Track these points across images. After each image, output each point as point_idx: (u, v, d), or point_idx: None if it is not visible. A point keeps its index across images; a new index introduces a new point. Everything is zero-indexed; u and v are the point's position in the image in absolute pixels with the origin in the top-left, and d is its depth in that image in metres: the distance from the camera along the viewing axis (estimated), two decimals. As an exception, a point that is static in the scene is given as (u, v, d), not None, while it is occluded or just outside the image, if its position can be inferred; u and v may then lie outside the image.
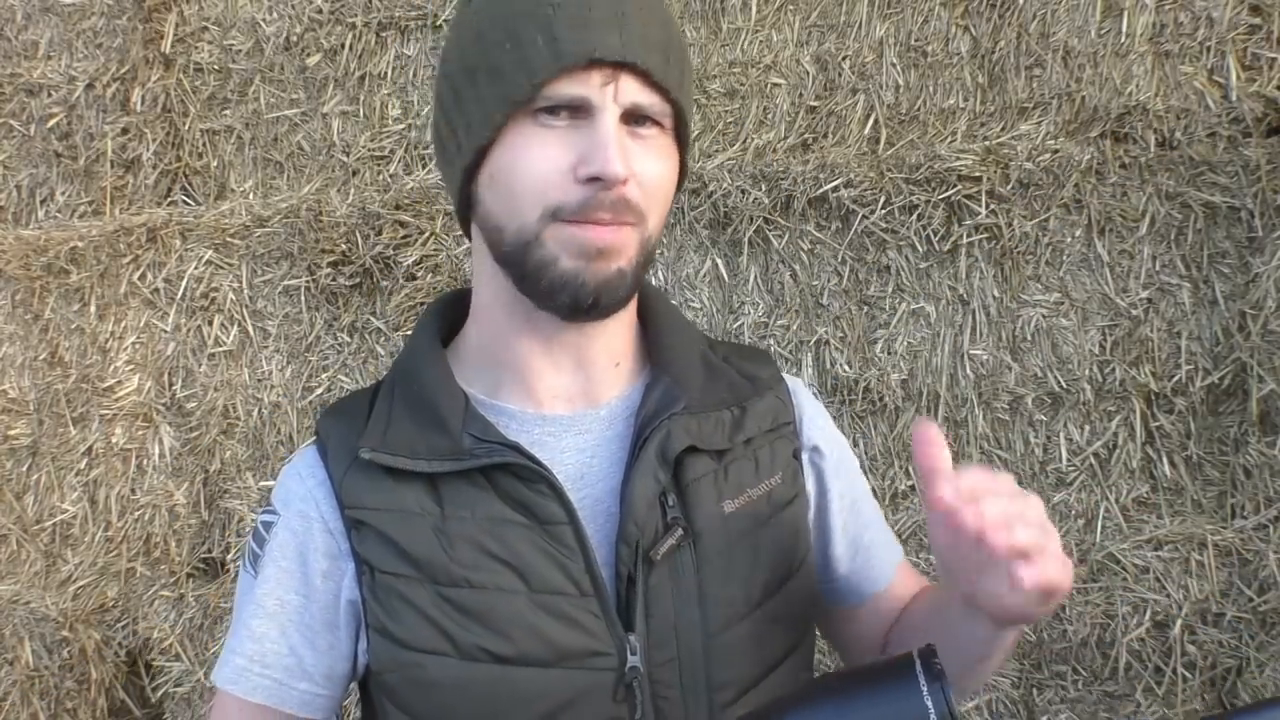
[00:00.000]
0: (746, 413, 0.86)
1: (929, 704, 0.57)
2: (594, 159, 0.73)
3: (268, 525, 0.84)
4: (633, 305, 0.88)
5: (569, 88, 0.74)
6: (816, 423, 0.94)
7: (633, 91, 0.75)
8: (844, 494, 0.94)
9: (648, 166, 0.77)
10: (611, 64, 0.74)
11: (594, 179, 0.73)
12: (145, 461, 2.05)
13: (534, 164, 0.75)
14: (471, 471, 0.78)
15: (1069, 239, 1.72)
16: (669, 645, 0.78)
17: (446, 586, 0.77)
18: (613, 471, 0.82)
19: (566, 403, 0.84)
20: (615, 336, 0.85)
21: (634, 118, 0.76)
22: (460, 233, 1.75)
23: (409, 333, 0.89)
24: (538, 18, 0.75)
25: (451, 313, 0.90)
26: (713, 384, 0.87)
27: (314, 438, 0.87)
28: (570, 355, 0.83)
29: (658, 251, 1.83)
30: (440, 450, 0.79)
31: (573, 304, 0.77)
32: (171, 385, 2.03)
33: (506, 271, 0.80)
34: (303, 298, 1.96)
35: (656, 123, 0.78)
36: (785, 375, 0.95)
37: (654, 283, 1.83)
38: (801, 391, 0.95)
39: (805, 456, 0.92)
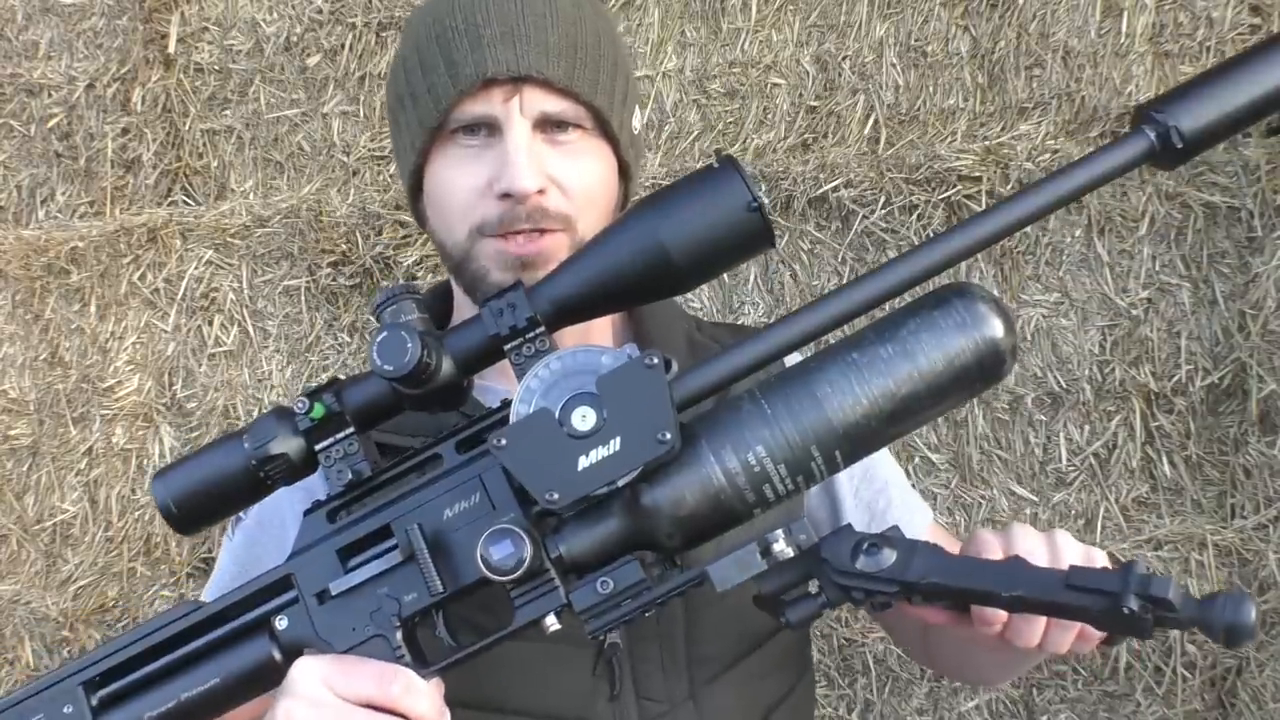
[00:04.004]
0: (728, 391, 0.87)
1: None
2: (504, 176, 0.75)
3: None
4: None
5: (473, 108, 0.77)
6: None
7: (539, 101, 0.77)
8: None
9: (568, 172, 0.78)
10: (509, 79, 0.75)
11: (506, 194, 0.75)
12: (146, 461, 2.05)
13: (456, 185, 0.78)
14: None
15: (1069, 239, 1.72)
16: (649, 620, 0.77)
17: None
18: None
19: None
20: (588, 331, 0.85)
21: (552, 124, 0.78)
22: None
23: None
24: (442, 41, 0.77)
25: (442, 303, 0.92)
26: (694, 359, 0.87)
27: None
28: None
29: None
30: (426, 425, 0.78)
31: None
32: (172, 385, 2.03)
33: (458, 283, 0.84)
34: (303, 298, 1.96)
35: (578, 126, 0.79)
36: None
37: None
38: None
39: None
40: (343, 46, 2.01)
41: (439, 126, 0.78)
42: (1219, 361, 1.71)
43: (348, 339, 1.96)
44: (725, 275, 1.82)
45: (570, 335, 0.84)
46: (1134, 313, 1.72)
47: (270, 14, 2.03)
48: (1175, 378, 1.72)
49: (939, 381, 0.58)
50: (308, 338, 1.98)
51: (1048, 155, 1.69)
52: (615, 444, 0.56)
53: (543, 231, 0.77)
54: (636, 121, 0.86)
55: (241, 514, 0.86)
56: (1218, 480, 1.75)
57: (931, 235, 1.72)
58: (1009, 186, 1.69)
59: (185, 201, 2.17)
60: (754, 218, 0.60)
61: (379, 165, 2.05)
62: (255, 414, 1.99)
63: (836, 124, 1.87)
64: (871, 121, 1.85)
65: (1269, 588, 1.64)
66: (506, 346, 0.62)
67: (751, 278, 1.81)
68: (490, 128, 0.77)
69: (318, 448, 0.64)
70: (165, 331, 2.01)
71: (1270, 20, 1.68)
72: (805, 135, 1.89)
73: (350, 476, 0.64)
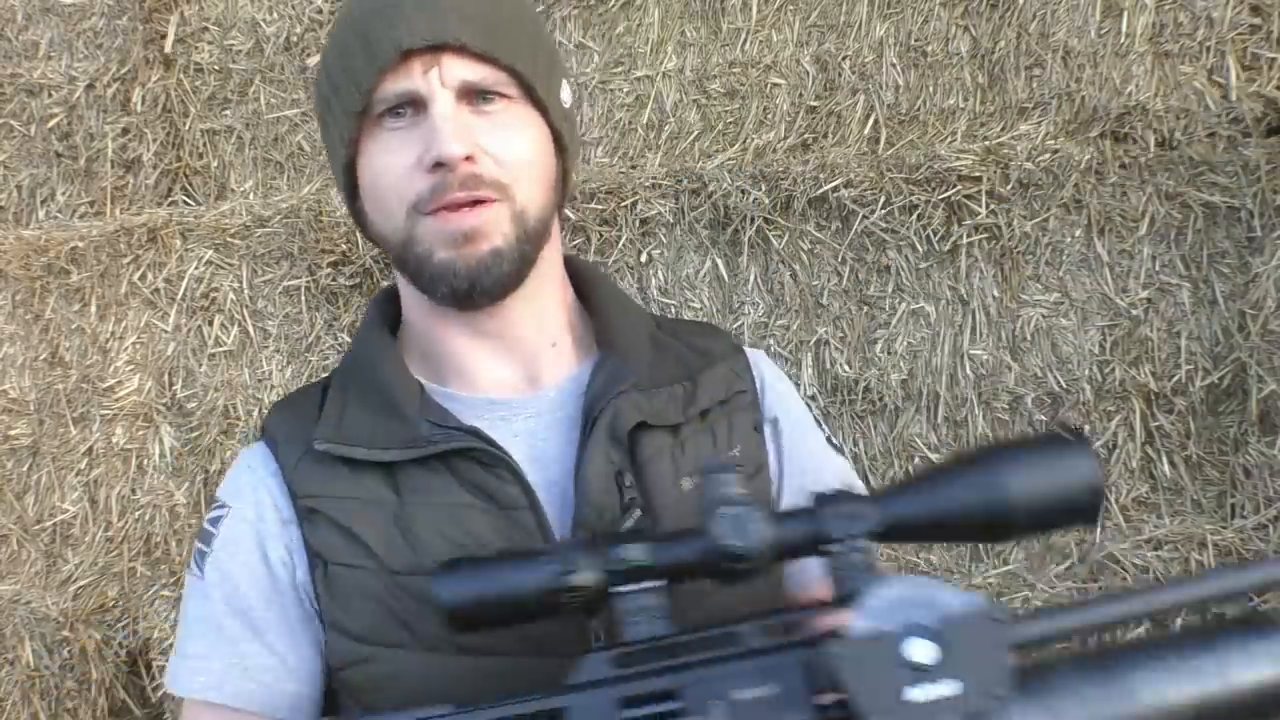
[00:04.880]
0: (698, 385, 0.85)
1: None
2: (431, 145, 0.74)
3: (216, 520, 0.81)
4: (561, 283, 0.87)
5: (393, 85, 0.75)
6: (777, 390, 0.92)
7: (459, 70, 0.75)
8: (805, 467, 0.92)
9: (498, 141, 0.76)
10: (426, 49, 0.74)
11: (438, 165, 0.74)
12: (145, 461, 2.05)
13: (387, 167, 0.76)
14: (429, 459, 0.77)
15: (1069, 239, 1.72)
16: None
17: (405, 575, 0.75)
18: (565, 454, 0.80)
19: (511, 387, 0.83)
20: (542, 316, 0.84)
21: (476, 94, 0.76)
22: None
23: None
24: (359, 26, 0.76)
25: (395, 305, 0.89)
26: (661, 360, 0.85)
27: (259, 435, 0.85)
28: (496, 340, 0.83)
29: (658, 252, 1.83)
30: (397, 438, 0.77)
31: (451, 293, 0.77)
32: (172, 385, 2.03)
33: (403, 274, 0.81)
34: (303, 298, 1.96)
35: (503, 95, 0.77)
36: (745, 348, 0.94)
37: (654, 282, 1.84)
38: (763, 362, 0.93)
39: (766, 430, 0.90)
40: (343, 46, 2.01)
41: (364, 111, 0.76)
42: (1219, 361, 1.71)
43: (348, 339, 1.96)
44: (725, 275, 1.82)
45: (520, 331, 0.81)
46: (1134, 313, 1.72)
47: (270, 14, 2.03)
48: (1175, 378, 1.72)
49: (1248, 701, 0.59)
50: (308, 338, 1.98)
51: (1048, 155, 1.69)
52: (951, 686, 0.55)
53: (480, 202, 0.75)
54: (566, 95, 0.84)
55: (205, 547, 0.81)
56: (1218, 480, 1.75)
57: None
58: (1009, 186, 1.69)
59: (185, 201, 2.17)
60: (1094, 500, 0.62)
61: (379, 165, 2.05)
62: (255, 414, 1.99)
63: (836, 124, 1.87)
64: (871, 121, 1.85)
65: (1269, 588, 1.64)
66: (832, 546, 0.62)
67: (751, 278, 1.81)
68: (415, 105, 0.76)
69: (616, 589, 0.63)
70: (165, 331, 2.01)
71: (1271, 20, 1.68)
72: (805, 135, 1.88)
73: (651, 631, 0.63)
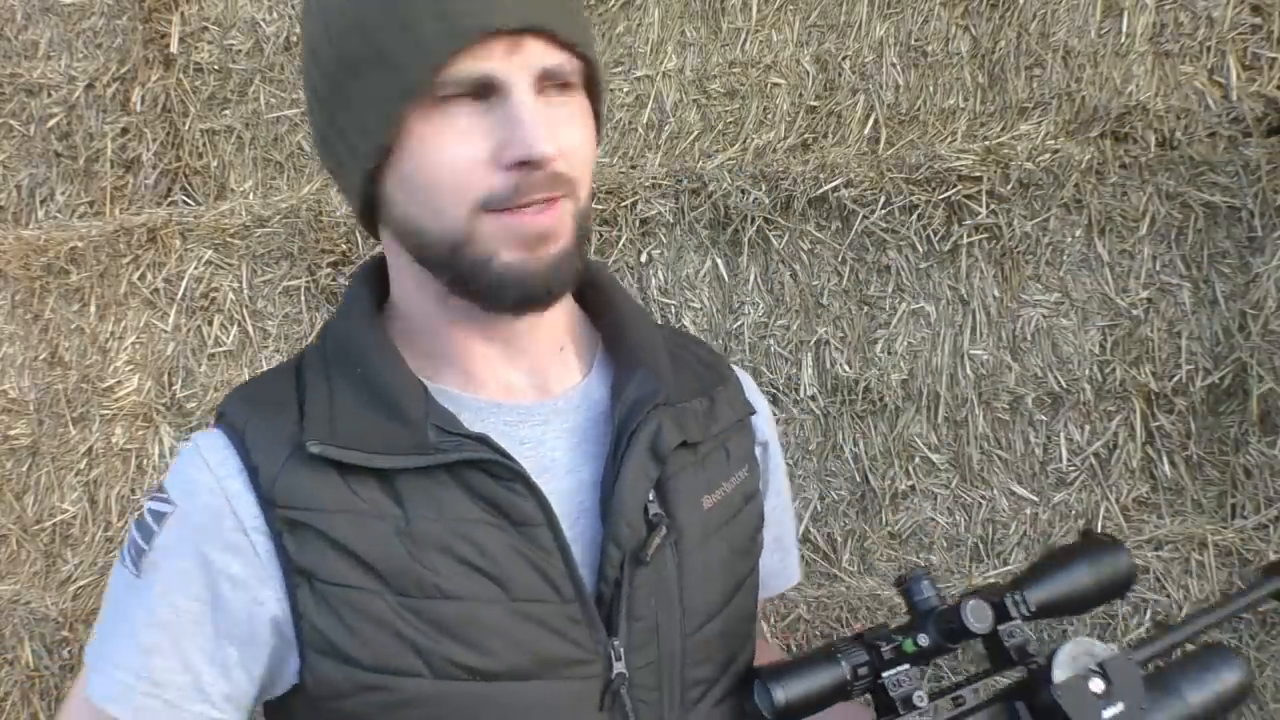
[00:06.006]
0: (716, 403, 0.84)
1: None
2: (517, 141, 0.66)
3: (159, 516, 0.72)
4: None
5: (470, 66, 0.66)
6: (766, 416, 0.93)
7: (540, 55, 0.68)
8: (779, 490, 0.94)
9: (572, 135, 0.71)
10: (514, 31, 0.66)
11: (522, 163, 0.67)
12: (145, 461, 2.05)
13: (450, 157, 0.68)
14: (434, 468, 0.70)
15: (1069, 239, 1.72)
16: (650, 648, 0.75)
17: (417, 598, 0.69)
18: (578, 465, 0.77)
19: (519, 392, 0.78)
20: (553, 320, 0.79)
21: (549, 82, 0.70)
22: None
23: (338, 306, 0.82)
24: None
25: (379, 284, 0.81)
26: (679, 373, 0.82)
27: (216, 422, 0.75)
28: (510, 343, 0.77)
29: (658, 252, 1.83)
30: (402, 444, 0.70)
31: (523, 298, 0.71)
32: (171, 385, 2.03)
33: (434, 274, 0.73)
34: (303, 298, 1.96)
35: (571, 84, 0.72)
36: (733, 366, 0.94)
37: (654, 282, 1.83)
38: (750, 384, 0.93)
39: (758, 451, 0.90)
40: (342, 46, 2.00)
41: (425, 92, 0.67)
42: (1219, 361, 1.71)
43: (347, 339, 1.96)
44: (725, 275, 1.82)
45: (535, 334, 0.78)
46: (1134, 313, 1.72)
47: (270, 14, 2.03)
48: (1175, 378, 1.71)
49: (1215, 703, 0.81)
50: (307, 338, 1.97)
51: (1048, 155, 1.69)
52: (1118, 706, 0.77)
53: (550, 200, 0.69)
54: None
55: (144, 544, 0.72)
56: (1218, 480, 1.75)
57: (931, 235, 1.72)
58: (1009, 186, 1.69)
59: (185, 201, 2.17)
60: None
61: (379, 165, 2.05)
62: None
63: (836, 124, 1.87)
64: (871, 121, 1.85)
65: (1269, 588, 1.64)
66: (1012, 626, 0.81)
67: (751, 278, 1.81)
68: (483, 89, 0.68)
69: (886, 675, 0.80)
70: (165, 331, 2.01)
71: (1271, 20, 1.68)
72: (805, 135, 1.88)
73: (905, 693, 0.81)
